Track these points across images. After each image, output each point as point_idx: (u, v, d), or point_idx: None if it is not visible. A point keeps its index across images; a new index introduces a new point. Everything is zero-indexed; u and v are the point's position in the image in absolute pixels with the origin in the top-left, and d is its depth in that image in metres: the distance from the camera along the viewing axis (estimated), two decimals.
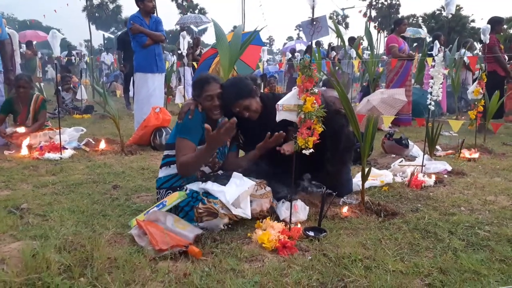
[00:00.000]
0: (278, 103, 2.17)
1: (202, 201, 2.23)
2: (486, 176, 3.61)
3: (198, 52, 9.78)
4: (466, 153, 4.34)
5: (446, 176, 3.58)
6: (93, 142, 4.83)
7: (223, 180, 2.35)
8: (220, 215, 2.20)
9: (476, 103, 4.58)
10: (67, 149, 4.38)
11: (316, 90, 2.10)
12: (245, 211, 2.27)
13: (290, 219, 2.29)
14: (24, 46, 10.72)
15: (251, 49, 5.18)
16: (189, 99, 2.67)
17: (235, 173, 2.39)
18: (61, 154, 4.17)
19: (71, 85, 8.88)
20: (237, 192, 2.24)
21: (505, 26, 6.36)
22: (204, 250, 2.02)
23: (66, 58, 15.09)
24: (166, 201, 2.30)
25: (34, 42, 13.41)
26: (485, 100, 4.77)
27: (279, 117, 2.17)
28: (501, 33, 6.32)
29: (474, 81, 7.08)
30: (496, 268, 1.87)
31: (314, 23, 2.06)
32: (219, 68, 6.03)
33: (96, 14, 50.03)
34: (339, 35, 9.62)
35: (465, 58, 8.55)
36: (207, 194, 2.28)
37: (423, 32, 14.07)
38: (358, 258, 1.94)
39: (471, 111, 4.56)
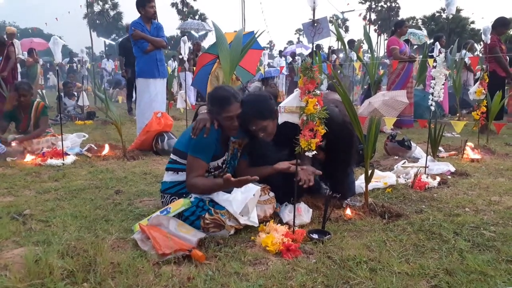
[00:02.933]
0: (280, 105, 2.16)
1: (209, 212, 2.22)
2: (490, 177, 3.59)
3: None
4: (469, 153, 4.32)
5: (449, 177, 3.56)
6: (95, 148, 4.83)
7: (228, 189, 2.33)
8: (227, 227, 2.19)
9: (478, 103, 4.56)
10: (69, 155, 4.38)
11: (318, 92, 2.09)
12: (252, 220, 2.25)
13: (294, 222, 2.28)
14: (25, 53, 10.76)
15: (250, 54, 5.17)
16: (204, 112, 2.52)
17: None
18: (63, 160, 4.17)
19: (74, 92, 8.90)
20: (244, 200, 2.23)
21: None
22: (208, 254, 2.01)
23: (68, 65, 15.16)
24: (171, 208, 2.28)
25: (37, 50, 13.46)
26: (487, 101, 4.75)
27: (281, 119, 2.17)
28: (502, 35, 6.30)
29: (475, 81, 7.07)
30: (502, 269, 1.85)
31: (315, 24, 2.06)
32: (218, 73, 6.04)
33: (97, 21, 50.25)
34: (339, 38, 9.63)
35: (466, 59, 8.54)
36: (214, 203, 2.26)
37: (423, 36, 14.11)
38: (363, 260, 1.92)
39: (474, 112, 4.54)
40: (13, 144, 4.42)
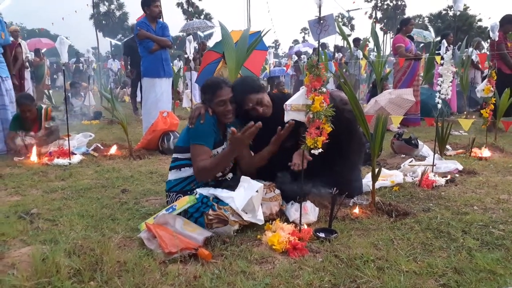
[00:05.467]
0: (286, 103, 2.15)
1: (212, 207, 2.21)
2: (498, 175, 3.55)
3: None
4: (477, 152, 4.28)
5: (457, 175, 3.53)
6: (102, 147, 4.85)
7: (232, 186, 2.33)
8: (231, 222, 2.18)
9: (487, 101, 4.52)
10: (76, 154, 4.40)
11: (324, 89, 2.08)
12: (258, 217, 2.24)
13: (300, 220, 2.27)
14: (32, 53, 10.84)
15: (255, 54, 5.16)
16: (198, 103, 2.64)
17: (243, 177, 2.37)
18: (70, 160, 4.19)
19: (81, 92, 8.95)
20: (246, 197, 2.22)
21: None
22: (214, 252, 2.00)
23: (74, 65, 15.25)
24: (176, 205, 2.28)
25: (44, 50, 13.57)
26: (496, 98, 4.70)
27: (288, 117, 2.15)
28: (510, 32, 6.22)
29: (483, 79, 7.00)
30: None
31: (321, 21, 2.04)
32: (222, 73, 6.04)
33: (103, 22, 50.53)
34: (343, 36, 9.60)
35: (474, 57, 8.46)
36: (218, 199, 2.26)
37: (429, 35, 14.01)
38: (370, 259, 1.91)
39: (483, 110, 4.49)
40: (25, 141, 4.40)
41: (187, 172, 2.47)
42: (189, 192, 2.41)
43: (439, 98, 3.44)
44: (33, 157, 4.25)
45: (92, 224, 2.42)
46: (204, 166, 2.33)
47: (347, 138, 2.63)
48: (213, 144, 2.43)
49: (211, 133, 2.42)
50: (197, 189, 2.38)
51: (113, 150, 4.68)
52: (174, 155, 2.56)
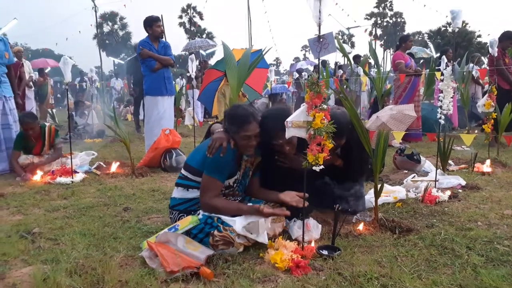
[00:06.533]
0: (287, 119, 2.16)
1: (218, 228, 2.20)
2: (501, 190, 3.53)
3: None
4: (480, 167, 4.27)
5: (460, 190, 3.51)
6: (104, 166, 4.86)
7: None
8: (236, 245, 2.17)
9: (488, 116, 4.53)
10: (78, 173, 4.40)
11: (325, 106, 2.09)
12: (262, 238, 2.23)
13: (303, 238, 2.26)
14: (36, 73, 10.98)
15: (257, 72, 5.21)
16: (220, 131, 2.45)
17: (247, 201, 2.37)
18: (72, 178, 4.19)
19: (85, 111, 9.01)
20: (247, 220, 2.23)
21: None
22: (216, 271, 1.99)
23: (78, 84, 15.42)
24: (179, 225, 2.27)
25: (47, 70, 13.73)
26: (497, 113, 4.72)
27: (289, 134, 2.16)
28: (508, 48, 6.27)
29: (483, 94, 7.02)
30: None
31: (321, 40, 2.07)
32: (224, 91, 6.09)
33: (107, 41, 51.20)
34: (344, 53, 9.70)
35: (474, 72, 8.51)
36: (222, 220, 2.25)
37: (428, 51, 14.26)
38: (374, 277, 1.89)
39: (485, 125, 4.50)
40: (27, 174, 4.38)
41: (194, 193, 2.41)
42: (192, 213, 2.39)
43: (441, 114, 3.45)
44: (36, 177, 4.26)
45: (94, 242, 2.41)
46: (214, 205, 2.29)
47: (352, 142, 2.64)
48: (227, 176, 2.39)
49: (228, 168, 2.36)
50: (200, 210, 2.36)
51: (114, 167, 4.69)
52: (184, 173, 2.46)
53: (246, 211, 2.31)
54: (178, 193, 2.48)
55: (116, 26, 54.49)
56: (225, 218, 2.24)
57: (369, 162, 2.79)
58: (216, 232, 2.18)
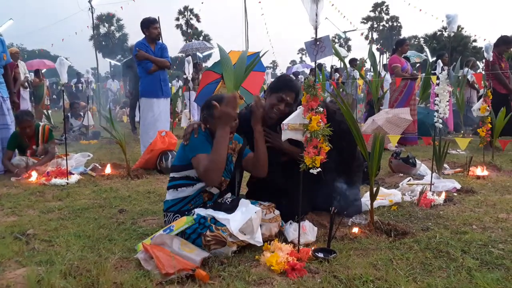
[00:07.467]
0: (283, 122, 2.17)
1: (210, 228, 2.19)
2: (496, 194, 3.55)
3: (200, 77, 9.94)
4: (475, 171, 4.29)
5: (455, 194, 3.53)
6: (100, 167, 4.84)
7: (231, 209, 2.33)
8: (229, 243, 2.16)
9: (483, 120, 4.55)
10: (73, 174, 4.38)
11: (321, 109, 2.10)
12: (256, 238, 2.22)
13: (299, 240, 2.26)
14: (32, 74, 10.93)
15: (253, 75, 5.21)
16: (193, 122, 2.63)
17: (242, 200, 2.37)
18: (67, 180, 4.17)
19: (80, 112, 8.99)
20: (243, 220, 2.21)
21: None
22: (211, 273, 1.98)
23: (74, 86, 15.37)
24: (174, 226, 2.27)
25: (43, 70, 13.68)
26: (492, 117, 4.75)
27: (285, 136, 2.17)
28: (505, 53, 6.33)
29: (479, 99, 7.07)
30: None
31: (318, 43, 2.08)
32: (221, 93, 6.08)
33: (103, 43, 51.11)
34: (339, 57, 9.73)
35: (469, 76, 8.57)
36: (215, 220, 2.24)
37: (423, 55, 14.35)
38: (369, 279, 1.89)
39: (480, 129, 4.53)
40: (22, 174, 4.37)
41: (184, 192, 2.45)
42: (186, 213, 2.39)
43: (438, 117, 3.47)
44: (32, 177, 4.24)
45: (88, 244, 2.40)
46: (207, 166, 2.26)
47: (346, 155, 2.64)
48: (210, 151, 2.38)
49: (207, 144, 2.38)
50: (195, 209, 2.37)
51: (108, 169, 4.67)
52: (171, 175, 2.55)
53: (220, 132, 2.28)
54: (169, 195, 2.52)
55: (112, 28, 54.41)
56: (218, 217, 2.23)
57: (365, 165, 2.80)
58: (208, 232, 2.18)
